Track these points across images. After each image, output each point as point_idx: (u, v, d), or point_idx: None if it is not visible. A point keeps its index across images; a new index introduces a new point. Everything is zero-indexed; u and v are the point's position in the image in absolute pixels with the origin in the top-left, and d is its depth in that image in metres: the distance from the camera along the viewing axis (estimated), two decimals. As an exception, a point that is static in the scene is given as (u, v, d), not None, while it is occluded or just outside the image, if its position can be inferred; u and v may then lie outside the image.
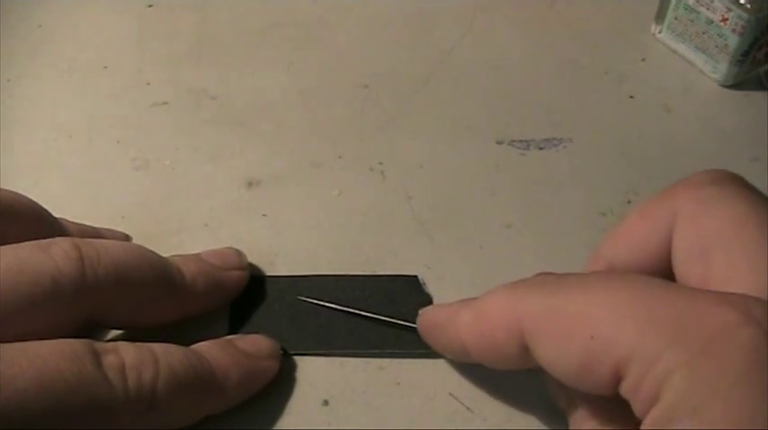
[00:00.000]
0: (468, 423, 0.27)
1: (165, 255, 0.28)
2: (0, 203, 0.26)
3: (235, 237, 0.32)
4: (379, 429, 0.27)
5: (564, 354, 0.20)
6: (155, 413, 0.23)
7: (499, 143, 0.37)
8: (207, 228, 0.33)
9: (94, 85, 0.40)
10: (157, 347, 0.24)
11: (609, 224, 0.33)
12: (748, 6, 0.37)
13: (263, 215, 0.34)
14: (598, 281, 0.21)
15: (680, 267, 0.22)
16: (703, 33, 0.40)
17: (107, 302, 0.25)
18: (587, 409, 0.22)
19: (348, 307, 0.29)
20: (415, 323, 0.28)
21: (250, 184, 0.35)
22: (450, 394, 0.28)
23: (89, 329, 0.25)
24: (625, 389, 0.19)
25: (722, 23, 0.38)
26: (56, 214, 0.28)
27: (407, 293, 0.30)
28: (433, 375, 0.28)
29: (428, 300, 0.30)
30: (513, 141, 0.37)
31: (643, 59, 0.42)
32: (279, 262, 0.32)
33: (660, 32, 0.43)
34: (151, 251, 0.27)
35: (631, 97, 0.40)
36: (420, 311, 0.27)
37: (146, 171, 0.35)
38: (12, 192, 0.27)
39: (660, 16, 0.42)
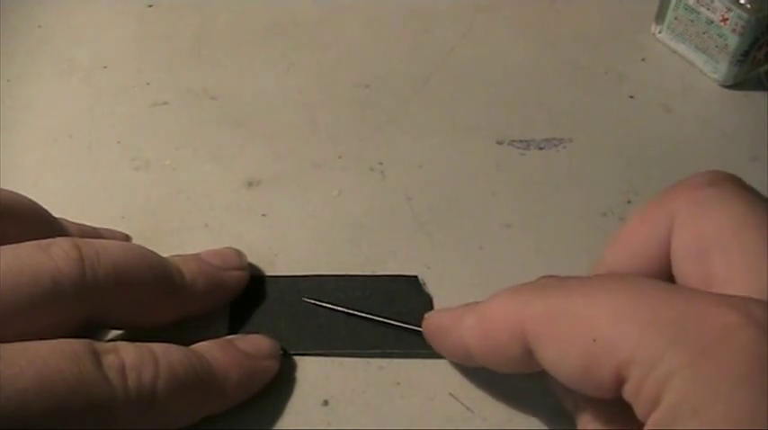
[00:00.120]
0: (468, 423, 0.27)
1: (165, 255, 0.28)
2: (0, 203, 0.26)
3: (235, 237, 0.32)
4: (379, 429, 0.27)
5: (566, 357, 0.20)
6: (155, 413, 0.23)
7: (499, 143, 0.37)
8: (207, 228, 0.33)
9: (94, 85, 0.40)
10: (157, 347, 0.24)
11: (609, 224, 0.33)
12: (748, 6, 0.37)
13: (263, 215, 0.34)
14: (599, 283, 0.21)
15: (679, 269, 0.22)
16: (703, 33, 0.40)
17: (107, 302, 0.25)
18: (593, 411, 0.22)
19: (353, 309, 0.29)
20: (419, 325, 0.28)
21: (250, 184, 0.35)
22: (450, 394, 0.28)
23: (89, 329, 0.25)
24: (627, 392, 0.19)
25: (722, 23, 0.38)
26: (56, 214, 0.28)
27: (407, 293, 0.30)
28: (433, 375, 0.28)
29: (428, 300, 0.30)
30: (513, 141, 0.37)
31: (643, 59, 0.42)
32: (279, 262, 0.32)
33: (660, 32, 0.43)
34: (151, 251, 0.27)
35: (631, 97, 0.40)
36: (425, 315, 0.28)
37: (146, 171, 0.35)
38: (12, 192, 0.27)
39: (660, 16, 0.42)
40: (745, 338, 0.18)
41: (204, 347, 0.26)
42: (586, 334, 0.20)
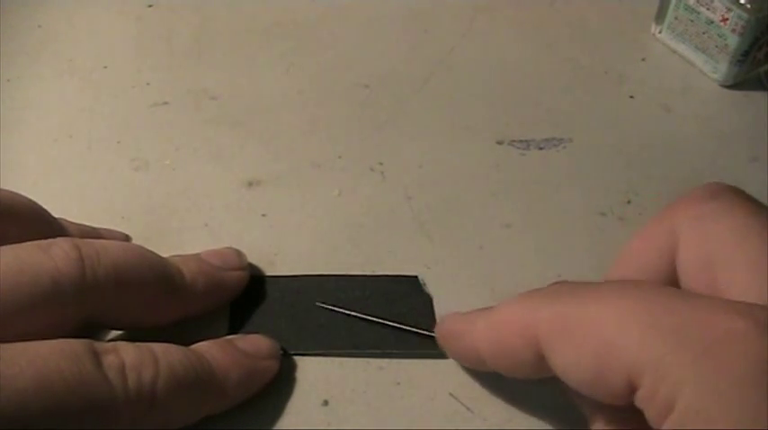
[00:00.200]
0: (468, 423, 0.27)
1: (165, 255, 0.28)
2: (0, 203, 0.26)
3: (235, 237, 0.32)
4: (379, 429, 0.27)
5: (578, 364, 0.20)
6: (155, 413, 0.23)
7: (499, 143, 0.37)
8: (207, 228, 0.33)
9: (94, 85, 0.40)
10: (157, 347, 0.24)
11: (608, 224, 0.33)
12: (748, 6, 0.37)
13: (263, 215, 0.34)
14: (612, 289, 0.21)
15: (686, 284, 0.23)
16: (703, 33, 0.40)
17: (107, 302, 0.25)
18: (605, 417, 0.22)
19: (367, 314, 0.29)
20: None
21: (250, 184, 0.35)
22: (450, 394, 0.28)
23: (89, 329, 0.25)
24: (639, 400, 0.19)
25: (722, 23, 0.38)
26: (56, 214, 0.28)
27: (407, 293, 0.30)
28: (433, 375, 0.28)
29: (428, 300, 0.30)
30: (513, 141, 0.37)
31: (643, 59, 0.42)
32: (279, 262, 0.32)
33: (660, 32, 0.43)
34: (151, 251, 0.27)
35: (631, 97, 0.40)
36: (438, 320, 0.28)
37: (146, 171, 0.35)
38: (12, 192, 0.27)
39: (660, 16, 0.42)
40: (750, 342, 0.18)
41: (204, 347, 0.26)
42: (598, 340, 0.20)
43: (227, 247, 0.30)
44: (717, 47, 0.39)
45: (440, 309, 0.30)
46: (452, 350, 0.27)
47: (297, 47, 0.42)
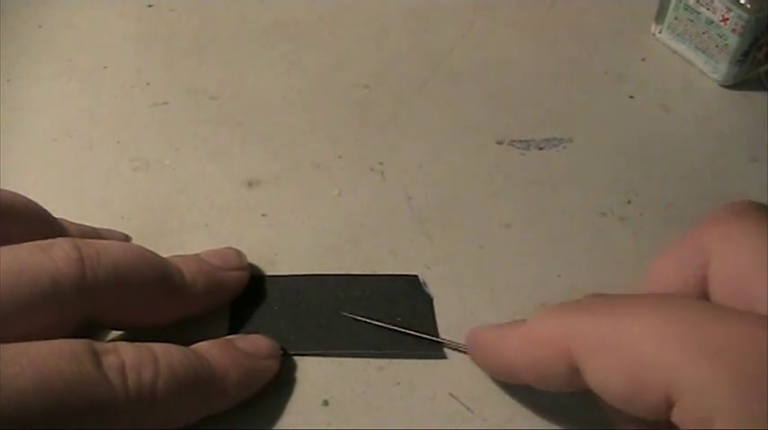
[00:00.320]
0: (468, 423, 0.27)
1: (165, 255, 0.28)
2: (0, 203, 0.26)
3: (235, 237, 0.32)
4: (379, 429, 0.27)
5: (613, 378, 0.20)
6: (155, 413, 0.23)
7: (499, 143, 0.37)
8: (207, 228, 0.33)
9: (94, 85, 0.40)
10: (157, 347, 0.24)
11: (608, 224, 0.33)
12: (748, 6, 0.37)
13: (263, 215, 0.34)
14: (648, 303, 0.21)
15: (718, 301, 0.22)
16: (703, 33, 0.40)
17: (107, 303, 0.25)
18: None
19: (391, 324, 0.29)
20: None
21: (250, 184, 0.35)
22: (450, 394, 0.28)
23: (89, 329, 0.25)
24: (677, 416, 0.19)
25: (722, 23, 0.38)
26: (56, 214, 0.28)
27: (407, 293, 0.30)
28: (433, 375, 0.28)
29: (428, 300, 0.30)
30: (513, 141, 0.37)
31: (643, 59, 0.42)
32: (279, 262, 0.32)
33: (660, 32, 0.43)
34: (151, 251, 0.27)
35: (631, 97, 0.40)
36: (468, 332, 0.28)
37: (146, 171, 0.35)
38: (12, 192, 0.27)
39: (660, 16, 0.42)
40: None
41: (204, 347, 0.26)
42: (635, 356, 0.20)
43: (227, 247, 0.30)
44: (717, 47, 0.39)
45: (440, 309, 0.30)
46: (484, 362, 0.27)
47: (297, 47, 0.42)
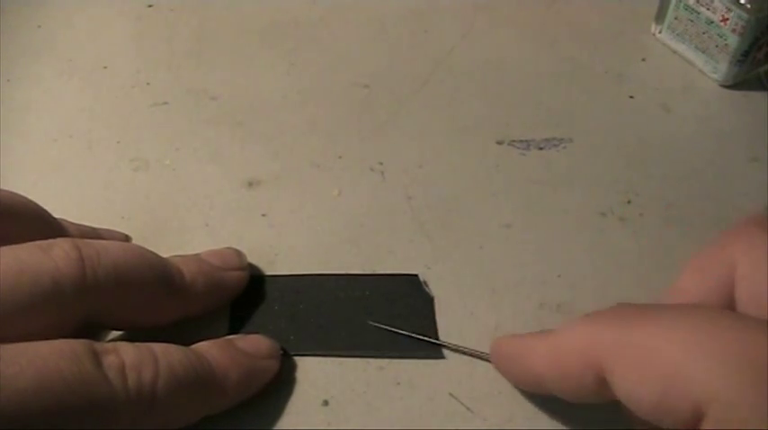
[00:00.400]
0: (468, 423, 0.27)
1: (165, 255, 0.28)
2: (0, 203, 0.26)
3: (235, 237, 0.32)
4: (379, 429, 0.27)
5: (642, 389, 0.20)
6: (155, 413, 0.23)
7: (499, 143, 0.37)
8: (207, 228, 0.33)
9: (94, 85, 0.40)
10: (157, 347, 0.24)
11: (608, 224, 0.33)
12: (748, 6, 0.37)
13: (263, 215, 0.34)
14: (677, 314, 0.21)
15: (747, 313, 0.22)
16: (703, 33, 0.40)
17: (107, 303, 0.25)
18: None
19: (421, 334, 0.29)
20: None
21: (250, 184, 0.35)
22: (450, 394, 0.28)
23: (89, 329, 0.25)
24: (705, 428, 0.19)
25: (722, 23, 0.38)
26: (56, 214, 0.28)
27: (408, 293, 0.30)
28: (433, 375, 0.28)
29: (429, 300, 0.30)
30: (513, 141, 0.37)
31: (643, 59, 0.42)
32: (279, 262, 0.32)
33: (660, 32, 0.43)
34: (151, 251, 0.27)
35: (631, 97, 0.40)
36: (493, 342, 0.27)
37: (146, 171, 0.35)
38: (12, 192, 0.27)
39: (660, 16, 0.42)
40: None
41: (204, 347, 0.26)
42: (664, 367, 0.20)
43: (227, 247, 0.30)
44: (717, 47, 0.39)
45: (440, 309, 0.30)
46: (510, 372, 0.27)
47: (297, 47, 0.42)
